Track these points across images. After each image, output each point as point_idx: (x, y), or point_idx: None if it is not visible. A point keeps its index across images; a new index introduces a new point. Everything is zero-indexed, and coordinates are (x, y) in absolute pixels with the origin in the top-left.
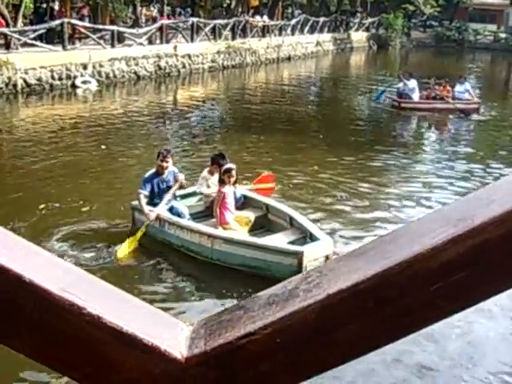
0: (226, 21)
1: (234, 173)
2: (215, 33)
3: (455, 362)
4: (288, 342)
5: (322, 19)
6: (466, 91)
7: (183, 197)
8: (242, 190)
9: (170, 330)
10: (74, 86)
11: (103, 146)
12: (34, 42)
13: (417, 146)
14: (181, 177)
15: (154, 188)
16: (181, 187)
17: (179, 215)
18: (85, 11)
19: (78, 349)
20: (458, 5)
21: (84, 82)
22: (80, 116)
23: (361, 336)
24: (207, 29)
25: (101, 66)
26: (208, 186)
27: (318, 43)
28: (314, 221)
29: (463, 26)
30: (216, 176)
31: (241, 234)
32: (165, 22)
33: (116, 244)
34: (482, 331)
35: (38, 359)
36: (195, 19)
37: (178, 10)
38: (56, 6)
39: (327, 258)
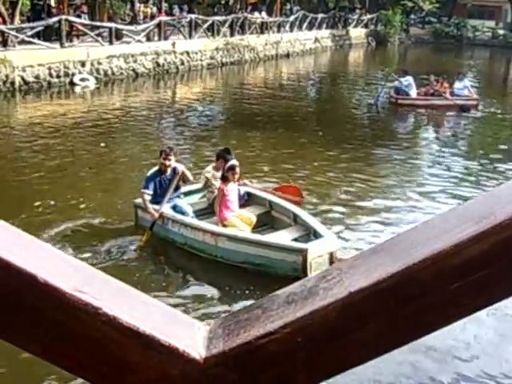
0: (224, 17)
1: (238, 170)
2: (214, 30)
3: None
4: (309, 341)
5: (320, 16)
6: (465, 88)
7: (185, 194)
8: (250, 188)
9: (188, 330)
10: (72, 84)
11: (102, 144)
12: (31, 39)
13: (415, 141)
14: (180, 167)
15: (156, 186)
16: (185, 181)
17: (183, 213)
18: (84, 8)
19: (93, 349)
20: (456, 1)
21: (82, 80)
22: (78, 114)
23: (382, 334)
24: (205, 25)
25: (99, 63)
26: (215, 179)
27: (316, 40)
28: (314, 216)
29: (462, 23)
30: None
31: (244, 231)
32: (163, 18)
33: (113, 242)
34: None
35: (53, 360)
36: (193, 16)
37: (176, 7)
38: (52, 3)
39: (331, 255)
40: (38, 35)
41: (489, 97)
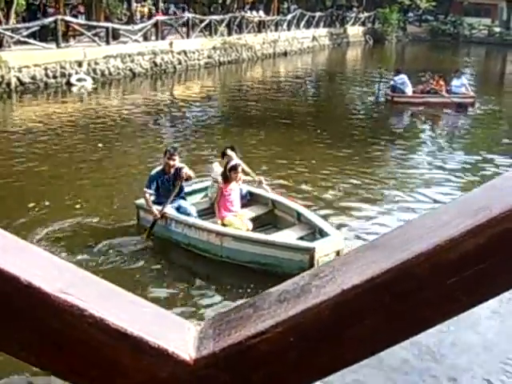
0: (221, 16)
1: (240, 169)
2: (211, 29)
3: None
4: (301, 340)
5: (317, 14)
6: (462, 85)
7: (187, 194)
8: (250, 187)
9: (177, 331)
10: (68, 84)
11: (99, 145)
12: (27, 39)
13: (412, 139)
14: (184, 170)
15: (159, 186)
16: (187, 179)
17: (187, 215)
18: (80, 8)
19: (81, 352)
20: None
21: (79, 80)
22: (75, 114)
23: (378, 332)
24: (203, 25)
25: (96, 63)
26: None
27: (314, 38)
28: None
29: (458, 21)
30: None
31: (246, 230)
32: (160, 18)
33: (111, 242)
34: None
35: (40, 365)
36: (191, 15)
37: (172, 6)
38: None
39: (338, 253)
40: (33, 35)
41: (485, 94)
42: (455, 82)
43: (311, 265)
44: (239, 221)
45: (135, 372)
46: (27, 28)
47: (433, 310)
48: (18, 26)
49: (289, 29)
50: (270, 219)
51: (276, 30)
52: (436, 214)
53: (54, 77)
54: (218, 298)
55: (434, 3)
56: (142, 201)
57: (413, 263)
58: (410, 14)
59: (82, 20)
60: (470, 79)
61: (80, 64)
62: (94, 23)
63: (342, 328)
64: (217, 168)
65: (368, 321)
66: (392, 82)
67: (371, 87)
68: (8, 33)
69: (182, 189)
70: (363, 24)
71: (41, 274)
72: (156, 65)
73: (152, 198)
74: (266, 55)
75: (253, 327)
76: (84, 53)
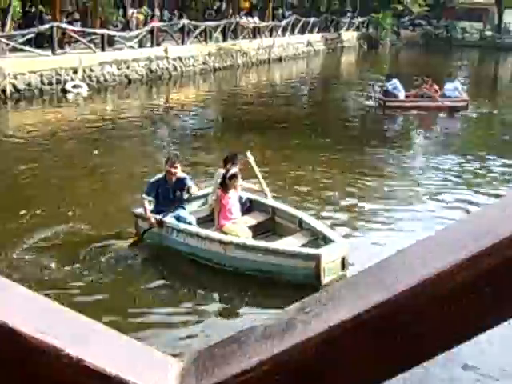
0: (216, 23)
1: (239, 177)
2: (206, 35)
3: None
4: (287, 379)
5: (312, 19)
6: (455, 89)
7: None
8: (249, 194)
9: (159, 369)
10: (64, 91)
11: (95, 151)
12: (22, 46)
13: (406, 143)
14: (189, 183)
15: (158, 194)
16: (189, 192)
17: (188, 224)
18: (76, 15)
19: None
20: (445, 4)
21: (74, 87)
22: (71, 121)
23: (367, 369)
24: (198, 31)
25: (91, 70)
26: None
27: (308, 43)
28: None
29: (451, 25)
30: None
31: (245, 237)
32: (155, 24)
33: (104, 251)
34: None
35: None
36: (186, 21)
37: (166, 12)
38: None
39: (343, 259)
40: (29, 42)
41: (479, 97)
42: (448, 86)
43: (317, 272)
44: (239, 228)
45: None
46: (23, 35)
47: (426, 344)
48: (14, 33)
49: (283, 34)
50: (270, 226)
51: (271, 35)
52: (427, 242)
53: (50, 84)
54: (220, 307)
55: (426, 8)
56: (140, 210)
57: (404, 296)
58: (404, 19)
59: (77, 27)
60: (463, 83)
61: (75, 71)
62: (90, 30)
63: (329, 365)
64: (220, 171)
65: (357, 357)
66: (384, 87)
67: (365, 92)
68: (4, 40)
69: (182, 199)
70: (357, 29)
71: (15, 312)
72: (151, 71)
73: (150, 205)
74: (261, 61)
75: (237, 365)
76: (79, 59)
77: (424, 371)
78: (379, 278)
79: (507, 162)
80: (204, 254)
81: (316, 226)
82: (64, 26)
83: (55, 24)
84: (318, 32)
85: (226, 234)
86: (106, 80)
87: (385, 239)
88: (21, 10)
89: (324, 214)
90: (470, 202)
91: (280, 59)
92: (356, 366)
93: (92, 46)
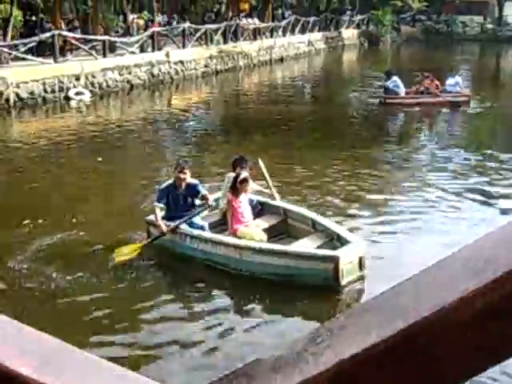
0: (216, 25)
1: (250, 181)
2: (207, 38)
3: None
4: None
5: (312, 19)
6: (456, 84)
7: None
8: (259, 197)
9: None
10: (67, 98)
11: (99, 158)
12: (24, 55)
13: (409, 139)
14: (210, 201)
15: (169, 200)
16: (203, 206)
17: (201, 229)
18: (76, 22)
19: None
20: None
21: (77, 94)
22: (74, 128)
23: None
24: (198, 34)
25: (93, 76)
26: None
27: (309, 43)
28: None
29: (451, 19)
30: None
31: (260, 240)
32: (156, 29)
33: (113, 258)
34: None
35: None
36: (186, 25)
37: (165, 16)
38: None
39: (360, 260)
40: (31, 51)
41: (481, 90)
42: (449, 81)
43: (336, 274)
44: (252, 230)
45: None
46: (24, 44)
47: (442, 376)
48: (16, 42)
49: (284, 35)
50: (283, 229)
51: (271, 36)
52: (440, 267)
53: (53, 91)
54: (236, 312)
55: (426, 3)
56: (152, 217)
57: (419, 326)
58: (404, 15)
59: (78, 34)
60: (465, 77)
61: (77, 78)
62: (91, 37)
63: None
64: (230, 175)
65: None
66: (385, 84)
67: (367, 89)
68: (6, 49)
69: (194, 205)
70: (357, 26)
71: (18, 351)
72: (153, 76)
73: (162, 213)
74: (263, 62)
75: None
76: (81, 66)
77: None
78: (393, 304)
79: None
80: (220, 259)
81: (330, 226)
82: (65, 33)
83: (56, 32)
84: (318, 31)
85: (240, 238)
86: (108, 86)
87: (395, 238)
88: (22, 19)
89: (332, 212)
90: (482, 201)
91: (281, 60)
92: None
93: (93, 52)
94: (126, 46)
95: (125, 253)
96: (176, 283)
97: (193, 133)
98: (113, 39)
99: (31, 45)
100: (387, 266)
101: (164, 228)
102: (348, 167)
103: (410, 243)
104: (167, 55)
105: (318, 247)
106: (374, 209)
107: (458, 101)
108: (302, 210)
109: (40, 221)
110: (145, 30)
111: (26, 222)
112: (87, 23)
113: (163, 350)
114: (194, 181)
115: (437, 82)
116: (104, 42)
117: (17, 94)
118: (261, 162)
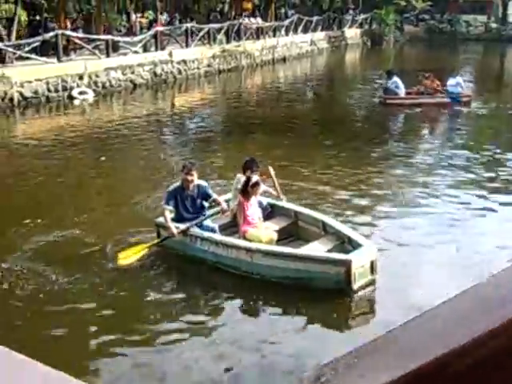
0: (219, 25)
1: (261, 185)
2: (210, 37)
3: None
4: None
5: (315, 18)
6: (457, 84)
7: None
8: (269, 199)
9: None
10: (70, 98)
11: (102, 157)
12: (28, 55)
13: (410, 140)
14: (223, 205)
15: (178, 202)
16: (217, 210)
17: (211, 231)
18: (80, 22)
19: None
20: None
21: (81, 93)
22: (78, 127)
23: None
24: (201, 34)
25: (97, 75)
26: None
27: (312, 42)
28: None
29: (455, 18)
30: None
31: (270, 241)
32: (159, 28)
33: (109, 260)
34: None
35: None
36: (189, 25)
37: (165, 15)
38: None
39: (372, 263)
40: (35, 50)
41: (484, 91)
42: (450, 82)
43: (348, 278)
44: (260, 232)
45: None
46: (29, 44)
47: None
48: (20, 42)
49: (287, 34)
50: (293, 231)
51: (274, 35)
52: (449, 307)
53: (56, 91)
54: (246, 315)
55: (429, 3)
56: (161, 219)
57: (429, 368)
58: (407, 15)
59: (81, 33)
60: (468, 77)
61: (81, 77)
62: (94, 36)
63: None
64: (243, 179)
65: None
66: (385, 84)
67: (369, 89)
68: (10, 49)
69: (203, 206)
70: (360, 26)
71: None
72: (156, 75)
73: (171, 215)
74: (265, 61)
75: None
76: (85, 66)
77: None
78: (404, 343)
79: None
80: (230, 262)
81: (341, 229)
82: (68, 33)
83: (60, 31)
84: (321, 30)
85: (249, 240)
86: (111, 85)
87: (401, 239)
88: (26, 19)
89: (337, 213)
90: (484, 199)
91: (284, 59)
92: None
93: (97, 52)
94: (129, 46)
95: (129, 255)
96: (185, 285)
97: (195, 132)
98: (116, 38)
99: (35, 44)
100: (395, 268)
101: (174, 231)
102: (349, 167)
103: (416, 245)
104: (170, 55)
105: (329, 250)
106: (378, 209)
107: (459, 101)
108: (312, 212)
109: (42, 219)
110: (148, 29)
111: (28, 220)
112: (90, 23)
113: (169, 352)
114: (203, 182)
115: (437, 82)
116: (107, 41)
117: (21, 94)
118: (271, 170)
